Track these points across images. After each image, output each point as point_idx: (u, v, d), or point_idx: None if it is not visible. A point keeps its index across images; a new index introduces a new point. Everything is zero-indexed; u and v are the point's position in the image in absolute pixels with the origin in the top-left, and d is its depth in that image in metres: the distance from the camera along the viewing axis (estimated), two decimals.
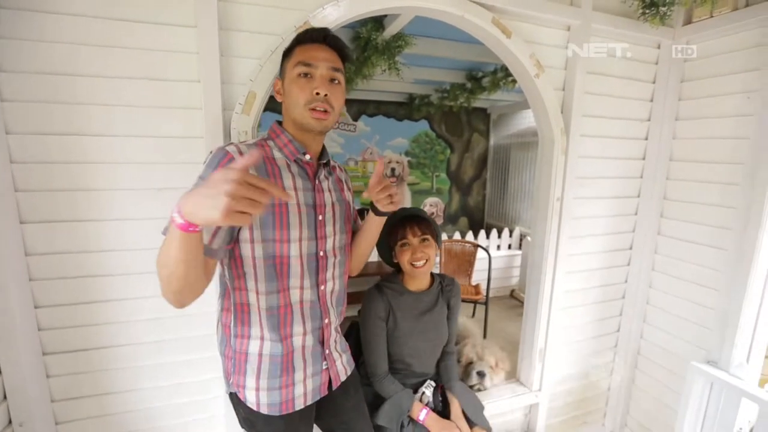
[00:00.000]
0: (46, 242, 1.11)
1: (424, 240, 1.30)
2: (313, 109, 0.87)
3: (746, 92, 1.56)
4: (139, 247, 1.19)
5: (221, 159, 0.80)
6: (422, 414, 1.31)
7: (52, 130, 1.07)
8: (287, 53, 0.93)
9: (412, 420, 1.31)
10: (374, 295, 1.33)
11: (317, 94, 0.87)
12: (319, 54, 0.88)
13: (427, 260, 1.30)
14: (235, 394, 0.96)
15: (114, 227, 1.16)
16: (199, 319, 1.27)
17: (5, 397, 1.10)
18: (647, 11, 1.52)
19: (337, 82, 0.91)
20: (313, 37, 0.91)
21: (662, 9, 1.48)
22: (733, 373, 1.55)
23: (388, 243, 1.35)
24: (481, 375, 1.77)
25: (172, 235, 0.64)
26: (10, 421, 1.10)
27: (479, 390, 1.77)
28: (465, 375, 1.79)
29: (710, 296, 1.68)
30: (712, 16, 1.60)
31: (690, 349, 1.76)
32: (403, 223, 1.31)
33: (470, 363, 1.80)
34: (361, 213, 1.20)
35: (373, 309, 1.31)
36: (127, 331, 1.23)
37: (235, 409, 1.01)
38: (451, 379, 1.44)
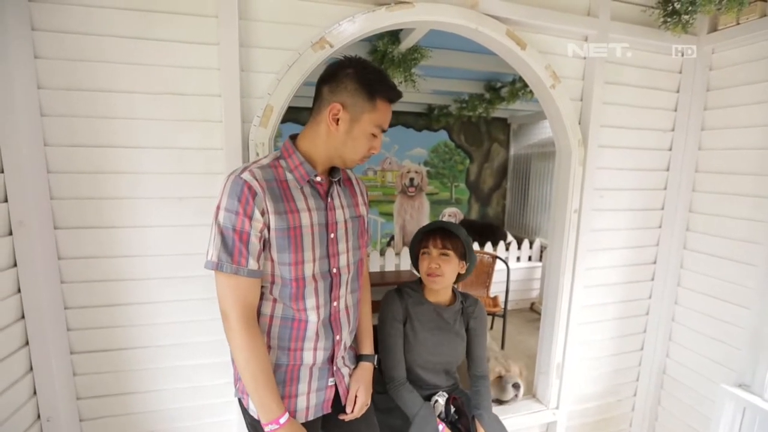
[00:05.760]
0: (76, 247, 1.18)
1: (443, 254, 1.29)
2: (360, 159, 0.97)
3: None
4: (161, 253, 1.25)
5: (241, 190, 0.84)
6: (439, 429, 1.28)
7: (84, 142, 1.15)
8: (369, 95, 0.90)
9: None
10: (393, 297, 1.33)
11: (372, 152, 0.98)
12: (389, 119, 0.97)
13: (440, 274, 1.28)
14: (241, 399, 0.99)
15: (137, 234, 1.22)
16: (213, 324, 1.30)
17: (35, 393, 1.16)
18: (668, 20, 1.48)
19: None
20: (392, 98, 0.96)
21: (684, 17, 1.45)
22: None
23: (415, 251, 1.38)
24: (516, 387, 1.78)
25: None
26: (38, 416, 1.16)
27: (515, 397, 1.79)
28: (500, 390, 1.78)
29: (741, 315, 1.59)
30: (738, 24, 1.55)
31: (719, 371, 1.67)
32: (431, 234, 1.33)
33: (500, 377, 1.80)
34: None
35: (391, 311, 1.31)
36: (147, 333, 1.28)
37: (243, 414, 1.03)
38: (481, 406, 1.34)
